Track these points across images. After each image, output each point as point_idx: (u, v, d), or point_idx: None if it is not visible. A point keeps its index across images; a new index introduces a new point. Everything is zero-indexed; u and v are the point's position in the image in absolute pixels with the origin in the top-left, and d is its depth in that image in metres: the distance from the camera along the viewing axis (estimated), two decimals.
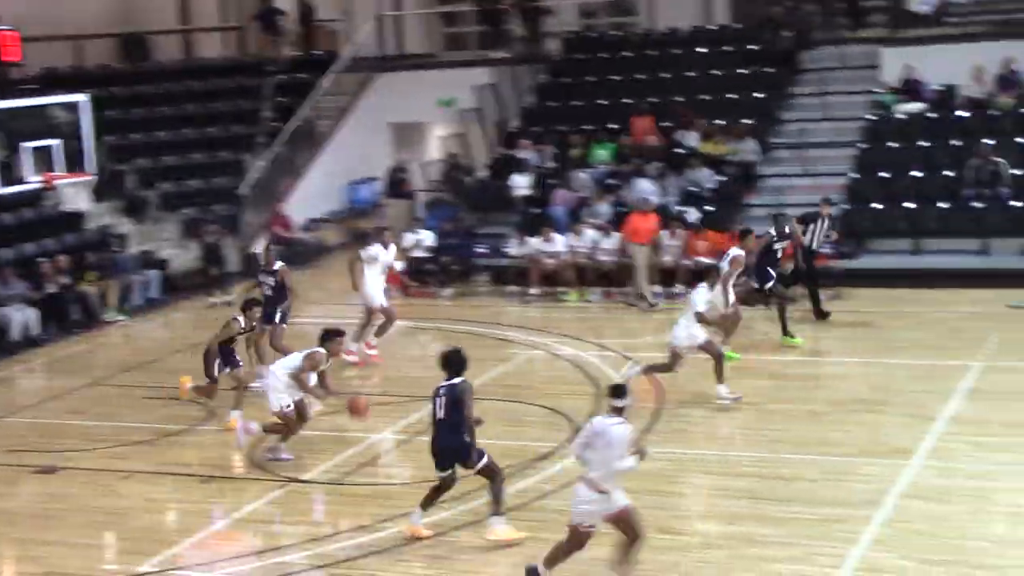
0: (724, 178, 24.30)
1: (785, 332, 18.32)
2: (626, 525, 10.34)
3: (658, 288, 21.75)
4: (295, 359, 14.37)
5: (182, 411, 16.71)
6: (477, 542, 11.81)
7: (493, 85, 28.66)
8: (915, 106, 24.65)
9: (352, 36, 31.52)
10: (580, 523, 10.28)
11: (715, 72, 27.36)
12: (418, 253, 24.14)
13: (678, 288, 21.59)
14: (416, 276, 23.89)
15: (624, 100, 27.10)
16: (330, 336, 14.32)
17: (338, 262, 27.91)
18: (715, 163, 24.60)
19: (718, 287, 16.50)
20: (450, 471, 11.80)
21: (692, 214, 23.15)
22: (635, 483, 12.01)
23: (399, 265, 24.26)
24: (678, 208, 23.46)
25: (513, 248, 23.40)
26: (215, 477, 14.27)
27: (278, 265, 18.37)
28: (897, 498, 12.18)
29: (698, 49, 28.17)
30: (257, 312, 16.63)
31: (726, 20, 29.55)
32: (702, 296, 15.85)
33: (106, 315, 23.02)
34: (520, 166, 25.92)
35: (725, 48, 28.04)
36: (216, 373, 16.08)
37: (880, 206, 23.12)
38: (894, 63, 25.40)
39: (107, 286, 23.27)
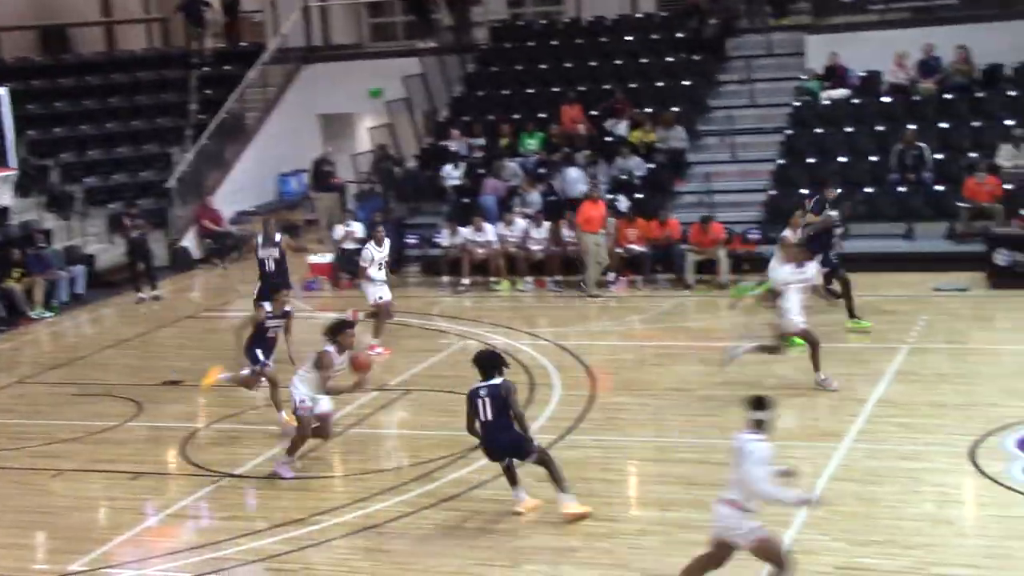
0: (653, 166, 24.42)
1: (852, 315, 18.01)
2: (767, 554, 9.49)
3: (612, 276, 21.77)
4: (306, 364, 13.60)
5: (111, 408, 16.53)
6: (410, 533, 11.79)
7: (421, 75, 28.57)
8: (839, 92, 24.92)
9: (278, 27, 31.29)
10: (720, 537, 9.51)
11: (642, 60, 27.47)
12: (349, 245, 24.01)
13: (610, 276, 21.74)
14: (347, 268, 23.77)
15: (553, 89, 27.16)
16: (340, 329, 13.35)
17: None
18: (644, 151, 24.71)
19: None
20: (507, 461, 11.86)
21: (622, 202, 23.26)
22: (569, 471, 12.09)
23: (328, 257, 24.22)
24: (608, 196, 23.55)
25: (444, 238, 23.36)
26: (146, 474, 14.11)
27: (279, 237, 18.49)
28: (828, 480, 12.32)
29: (625, 37, 28.27)
30: (286, 296, 15.55)
31: (652, 8, 29.68)
32: (783, 274, 15.70)
33: (32, 312, 22.69)
34: (450, 156, 25.89)
35: (652, 36, 28.16)
36: (261, 359, 14.97)
37: (807, 191, 23.32)
38: (818, 50, 25.67)
39: (32, 283, 22.92)
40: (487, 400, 11.60)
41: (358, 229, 24.26)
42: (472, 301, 21.90)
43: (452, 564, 11.07)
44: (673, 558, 10.85)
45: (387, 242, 19.36)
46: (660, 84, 26.63)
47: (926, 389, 15.09)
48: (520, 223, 22.84)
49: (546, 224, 22.70)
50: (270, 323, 15.32)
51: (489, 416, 11.61)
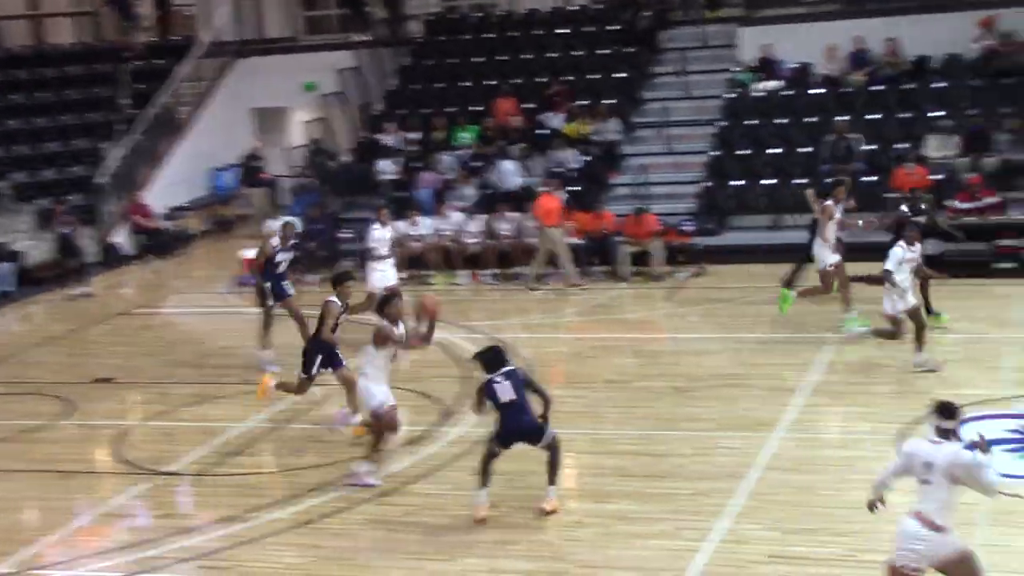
0: (588, 158, 24.47)
1: (930, 311, 17.41)
2: (963, 572, 8.66)
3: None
4: (366, 355, 13.02)
5: (41, 406, 16.31)
6: (345, 529, 11.74)
7: (356, 68, 28.44)
8: (772, 84, 25.12)
9: (210, 20, 31.00)
10: (904, 565, 8.57)
11: (576, 53, 27.52)
12: None
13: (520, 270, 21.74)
14: None
15: (487, 82, 27.14)
16: (386, 302, 13.05)
17: (202, 249, 27.64)
18: (579, 143, 24.75)
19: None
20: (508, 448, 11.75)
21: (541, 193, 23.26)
22: (506, 464, 12.09)
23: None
24: (543, 189, 23.55)
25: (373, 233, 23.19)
26: (77, 472, 13.94)
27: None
28: (761, 470, 12.41)
29: (559, 30, 28.30)
30: (351, 286, 14.91)
31: (586, 1, 29.73)
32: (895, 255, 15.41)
33: None
34: (384, 150, 25.80)
35: (586, 29, 28.22)
36: (314, 371, 14.30)
37: (740, 183, 23.52)
38: (751, 42, 25.86)
39: None
40: (507, 384, 11.54)
41: (294, 224, 24.11)
42: (406, 294, 21.76)
43: (388, 558, 11.04)
44: (610, 550, 10.91)
45: (393, 224, 19.45)
46: (594, 77, 26.69)
47: (856, 378, 15.23)
48: (455, 216, 22.81)
49: (481, 217, 22.67)
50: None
51: (511, 398, 11.54)
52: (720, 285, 20.58)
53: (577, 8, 29.28)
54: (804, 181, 22.77)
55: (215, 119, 29.57)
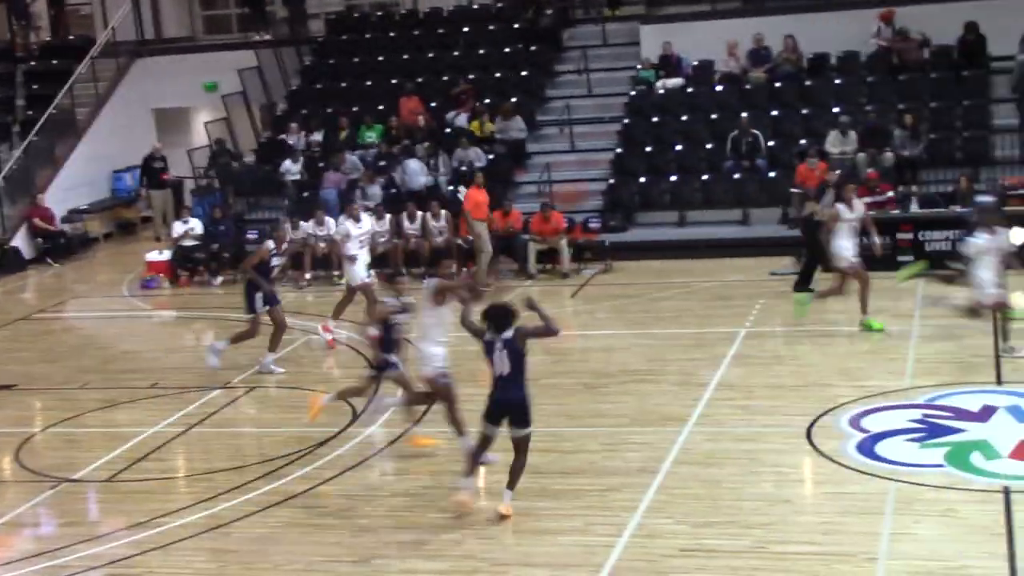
0: (493, 157, 24.50)
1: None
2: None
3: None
4: (425, 319, 12.82)
5: None
6: (257, 532, 11.65)
7: (257, 68, 28.19)
8: (674, 82, 25.37)
9: (107, 20, 30.54)
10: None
11: (480, 51, 27.56)
12: (187, 242, 23.63)
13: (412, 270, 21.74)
14: (186, 265, 23.37)
15: (391, 80, 27.07)
16: (436, 264, 13.80)
17: (104, 253, 27.23)
18: (484, 142, 24.78)
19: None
20: (498, 426, 11.51)
21: (463, 193, 23.28)
22: (417, 464, 12.08)
23: (166, 254, 23.72)
24: (450, 188, 23.58)
25: (276, 233, 22.97)
26: None
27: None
28: (671, 464, 12.52)
29: (463, 28, 28.31)
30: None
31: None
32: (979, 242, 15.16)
33: None
34: (288, 150, 25.61)
35: (489, 27, 28.27)
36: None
37: (644, 180, 23.72)
38: (653, 40, 26.08)
39: None
40: (504, 353, 11.33)
41: (197, 226, 23.88)
42: (314, 296, 21.69)
43: (300, 561, 10.97)
44: (521, 547, 10.95)
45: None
46: (498, 75, 26.75)
47: (763, 372, 15.44)
48: (364, 217, 22.64)
49: (388, 216, 22.61)
50: (396, 318, 13.42)
51: (506, 371, 11.36)
52: (627, 282, 20.73)
53: (480, 7, 29.30)
54: (708, 177, 23.21)
55: (115, 120, 29.15)
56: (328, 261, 22.36)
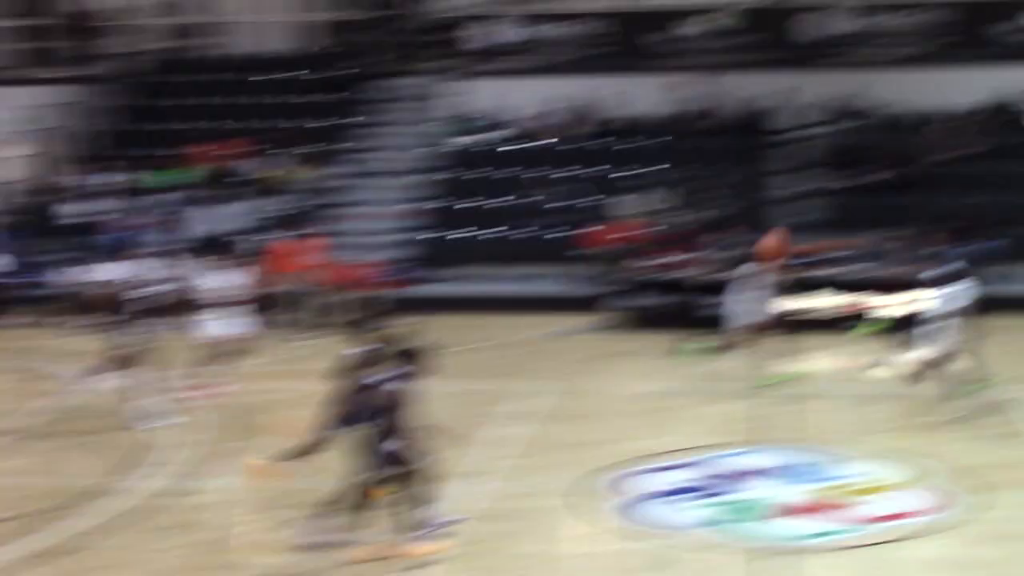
0: (287, 206, 24.23)
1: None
2: None
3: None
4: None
5: None
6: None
7: (40, 107, 27.32)
8: (470, 138, 25.57)
9: None
10: None
11: (279, 100, 27.27)
12: None
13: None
14: None
15: (183, 126, 26.55)
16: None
17: None
18: (277, 190, 24.51)
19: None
20: None
21: (254, 242, 22.88)
22: (188, 517, 11.59)
23: None
24: (241, 236, 23.17)
25: (61, 276, 22.31)
26: None
27: None
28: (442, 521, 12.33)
29: (256, 77, 27.93)
30: None
31: (284, 48, 29.39)
32: None
33: None
34: (69, 191, 24.91)
35: (295, 74, 27.99)
36: None
37: (441, 234, 23.77)
38: (449, 96, 26.27)
39: None
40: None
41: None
42: (88, 342, 20.90)
43: None
44: None
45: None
46: (300, 123, 26.49)
47: (538, 430, 15.42)
48: (143, 262, 22.07)
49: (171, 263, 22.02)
50: None
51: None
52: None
53: (274, 56, 28.86)
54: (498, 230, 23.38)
55: None
56: (105, 306, 21.57)
